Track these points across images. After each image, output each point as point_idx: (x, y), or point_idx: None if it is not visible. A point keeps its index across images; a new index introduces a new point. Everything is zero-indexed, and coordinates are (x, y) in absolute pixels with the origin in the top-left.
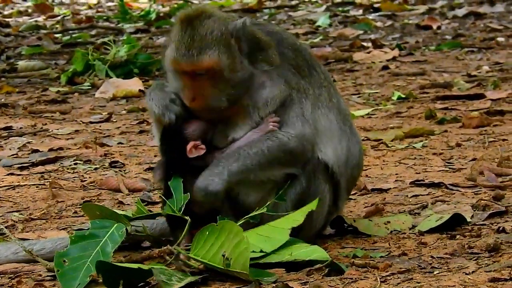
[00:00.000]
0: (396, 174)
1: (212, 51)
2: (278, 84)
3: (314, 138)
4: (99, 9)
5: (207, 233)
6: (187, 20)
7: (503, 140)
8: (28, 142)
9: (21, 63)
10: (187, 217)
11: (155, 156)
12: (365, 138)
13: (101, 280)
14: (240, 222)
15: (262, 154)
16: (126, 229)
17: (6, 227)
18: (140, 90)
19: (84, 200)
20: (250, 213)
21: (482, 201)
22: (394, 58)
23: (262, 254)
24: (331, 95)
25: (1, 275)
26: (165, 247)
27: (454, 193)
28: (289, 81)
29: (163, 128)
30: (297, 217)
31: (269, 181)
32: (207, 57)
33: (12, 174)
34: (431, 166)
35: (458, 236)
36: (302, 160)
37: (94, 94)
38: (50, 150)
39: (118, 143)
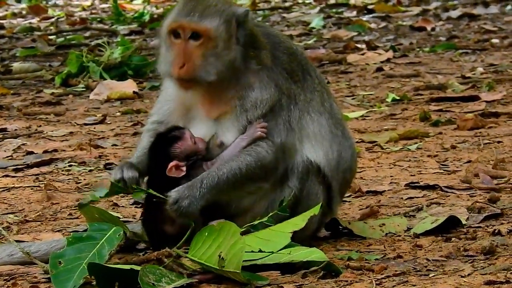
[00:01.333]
0: (391, 176)
1: (214, 19)
2: (268, 87)
3: (295, 147)
4: (93, 11)
5: (206, 234)
6: None
7: (498, 142)
8: (23, 144)
9: (16, 65)
10: (191, 223)
11: None
12: (360, 140)
13: (95, 283)
14: (241, 231)
15: (239, 175)
16: (125, 232)
17: (1, 229)
18: (134, 92)
19: (79, 202)
20: (243, 217)
21: (478, 204)
22: (388, 60)
23: (261, 255)
24: (323, 100)
25: None
26: (163, 249)
27: (449, 196)
28: (280, 85)
29: (152, 142)
30: (298, 222)
31: (259, 188)
32: (208, 22)
33: (7, 176)
34: (426, 168)
35: (453, 239)
36: (272, 173)
37: (88, 96)
38: (45, 152)
39: (113, 145)
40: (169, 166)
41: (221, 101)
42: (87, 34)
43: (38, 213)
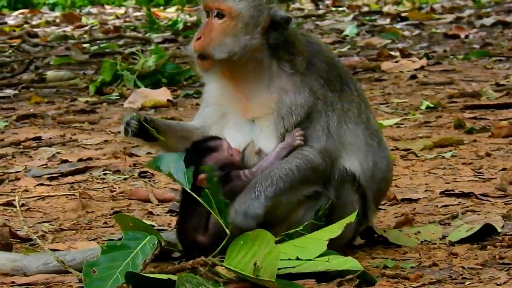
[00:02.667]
0: (426, 184)
1: (241, 1)
2: (302, 92)
3: (336, 153)
4: (127, 19)
5: (242, 242)
6: None
7: None
8: (58, 152)
9: (50, 73)
10: (227, 230)
11: None
12: (394, 148)
13: None
14: (276, 239)
15: (292, 176)
16: (160, 242)
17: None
18: (168, 100)
19: (114, 210)
20: (279, 226)
21: None
22: (422, 67)
23: (297, 263)
24: (361, 111)
25: (32, 286)
26: (198, 258)
27: (484, 203)
28: (314, 90)
29: (186, 150)
30: (334, 229)
31: (317, 193)
32: (231, 1)
33: (41, 184)
34: (461, 176)
35: (489, 247)
36: (324, 176)
37: (122, 104)
38: (79, 160)
39: (147, 153)
40: (199, 177)
41: (256, 102)
42: (121, 42)
43: (73, 222)
